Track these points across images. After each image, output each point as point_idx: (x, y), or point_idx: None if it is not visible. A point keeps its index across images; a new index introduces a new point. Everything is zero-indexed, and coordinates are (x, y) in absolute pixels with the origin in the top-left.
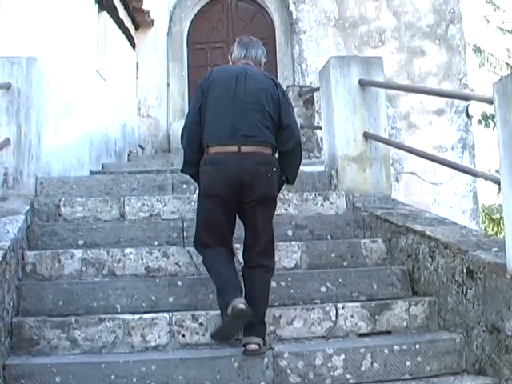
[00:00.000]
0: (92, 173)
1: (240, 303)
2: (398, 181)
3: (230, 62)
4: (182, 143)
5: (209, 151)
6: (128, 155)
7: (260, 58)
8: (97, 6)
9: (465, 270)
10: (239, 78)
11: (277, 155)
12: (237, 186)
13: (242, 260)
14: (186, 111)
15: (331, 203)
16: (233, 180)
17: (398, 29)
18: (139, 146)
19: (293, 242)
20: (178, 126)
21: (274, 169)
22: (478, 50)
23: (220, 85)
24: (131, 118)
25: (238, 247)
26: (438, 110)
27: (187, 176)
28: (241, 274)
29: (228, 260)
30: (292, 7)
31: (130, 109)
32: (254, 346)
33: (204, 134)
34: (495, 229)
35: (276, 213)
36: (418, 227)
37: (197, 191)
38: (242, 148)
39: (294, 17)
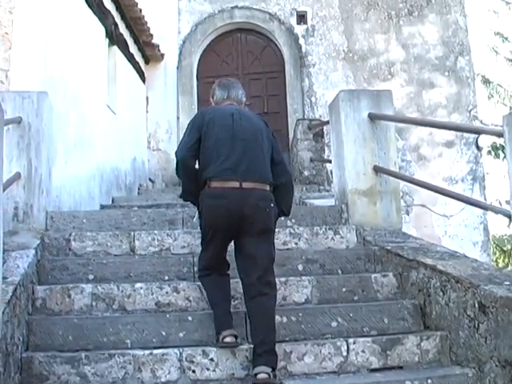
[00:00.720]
0: (102, 206)
1: (228, 336)
2: (408, 213)
3: (212, 103)
4: (177, 174)
5: (210, 185)
6: (138, 188)
7: (241, 98)
8: (107, 40)
9: (477, 305)
10: (235, 118)
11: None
12: (238, 219)
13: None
14: None
15: (342, 237)
16: (235, 214)
17: (407, 61)
18: (149, 179)
19: (303, 277)
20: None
21: (272, 204)
22: (486, 81)
23: (218, 123)
24: (141, 152)
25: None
26: (447, 141)
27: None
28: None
29: (222, 290)
30: (301, 40)
31: (140, 142)
32: (263, 376)
33: (205, 169)
34: (506, 260)
35: (286, 247)
36: (429, 261)
37: (197, 214)
38: (243, 184)
39: (304, 50)
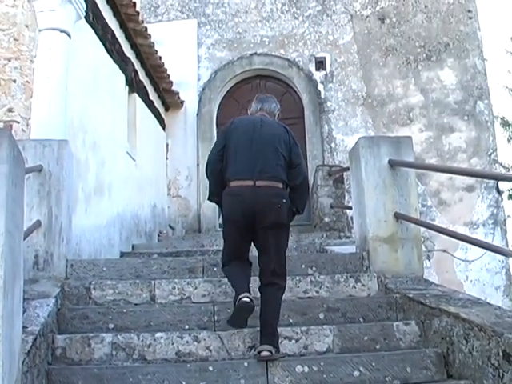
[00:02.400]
0: (122, 254)
1: (244, 297)
2: (429, 258)
3: (249, 114)
4: (207, 177)
5: (230, 184)
6: (158, 235)
7: (273, 110)
8: (127, 87)
9: (501, 353)
10: (256, 125)
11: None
12: (252, 213)
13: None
14: None
15: (363, 285)
16: (248, 209)
17: (426, 106)
18: (169, 226)
19: (325, 326)
20: (208, 206)
21: (284, 200)
22: (505, 124)
23: (240, 131)
24: (161, 198)
25: None
26: (468, 186)
27: (218, 259)
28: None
29: (241, 268)
30: (320, 86)
31: (160, 189)
32: (266, 353)
33: (226, 171)
34: None
35: (307, 295)
36: (452, 309)
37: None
38: (256, 182)
39: (323, 96)
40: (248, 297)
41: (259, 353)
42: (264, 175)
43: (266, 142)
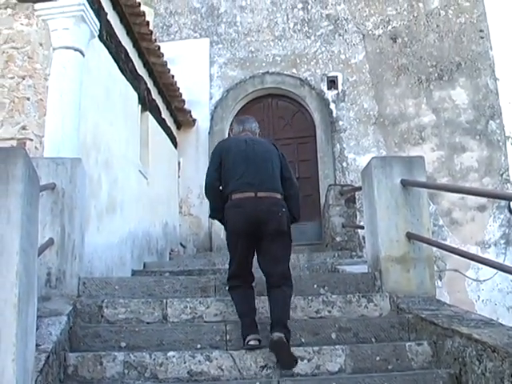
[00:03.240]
0: (134, 272)
1: (251, 340)
2: (440, 278)
3: (231, 136)
4: (206, 195)
5: (232, 197)
6: (170, 254)
7: (255, 130)
8: (140, 106)
9: None
10: (248, 143)
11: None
12: (255, 222)
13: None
14: None
15: (375, 305)
16: (251, 218)
17: (438, 125)
18: (181, 244)
19: (337, 346)
20: (219, 225)
21: (284, 209)
22: None
23: (234, 149)
24: (173, 217)
25: None
26: (479, 205)
27: None
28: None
29: (249, 301)
30: (332, 105)
31: (171, 207)
32: (278, 337)
33: (227, 186)
34: None
35: (319, 315)
36: (465, 330)
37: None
38: (258, 194)
39: (335, 115)
40: (256, 339)
41: (271, 340)
42: (264, 187)
43: (261, 157)
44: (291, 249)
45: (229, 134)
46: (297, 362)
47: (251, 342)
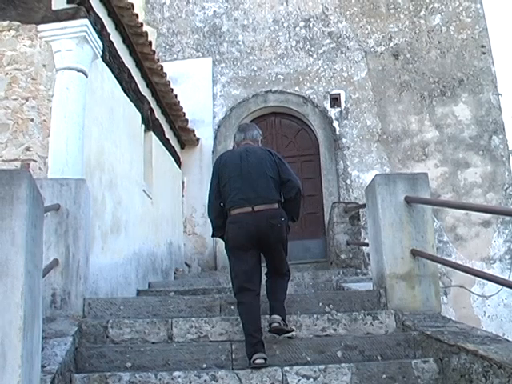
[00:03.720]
0: (139, 291)
1: (257, 358)
2: (446, 294)
3: (235, 145)
4: (208, 215)
5: (231, 214)
6: (174, 273)
7: (256, 137)
8: (143, 126)
9: None
10: (242, 157)
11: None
12: (255, 236)
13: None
14: None
15: (381, 322)
16: (251, 232)
17: (441, 141)
18: (185, 263)
19: (343, 364)
20: (224, 244)
21: (282, 219)
22: None
23: (229, 165)
24: (177, 236)
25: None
26: (484, 221)
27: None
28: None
29: (256, 316)
30: (335, 123)
31: (176, 227)
32: (275, 325)
33: (226, 202)
34: None
35: (325, 333)
36: (470, 346)
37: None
38: (255, 208)
39: (338, 133)
40: (261, 358)
41: (270, 325)
42: (260, 200)
43: (254, 169)
44: (287, 249)
45: (234, 146)
46: (293, 330)
47: (257, 361)
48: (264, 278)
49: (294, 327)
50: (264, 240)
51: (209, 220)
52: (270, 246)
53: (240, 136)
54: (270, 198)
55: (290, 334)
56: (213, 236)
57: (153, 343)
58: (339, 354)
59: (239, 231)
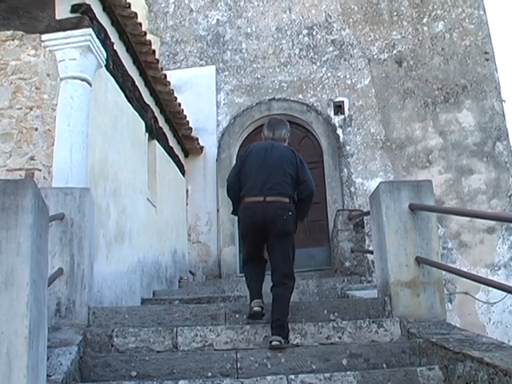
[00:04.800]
0: (143, 300)
1: (255, 306)
2: (451, 301)
3: (263, 139)
4: (228, 196)
5: (244, 200)
6: (179, 281)
7: (284, 136)
8: (147, 134)
9: None
10: (267, 150)
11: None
12: (263, 223)
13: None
14: (236, 236)
15: (386, 330)
16: (260, 219)
17: (445, 148)
18: (190, 271)
19: (348, 372)
20: (228, 252)
21: (290, 213)
22: None
23: (254, 156)
24: (182, 244)
25: None
26: (488, 228)
27: (240, 306)
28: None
29: (256, 271)
30: (339, 131)
31: (180, 235)
32: (276, 343)
33: (242, 189)
34: None
35: (330, 341)
36: (476, 353)
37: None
38: (266, 198)
39: (341, 140)
40: (258, 305)
41: (270, 343)
42: (272, 192)
43: (275, 164)
44: (294, 248)
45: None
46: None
47: (255, 308)
48: (266, 278)
49: (298, 335)
50: (270, 228)
51: (213, 228)
52: (275, 236)
53: (268, 133)
54: (282, 191)
55: (295, 343)
56: (232, 213)
57: (158, 352)
58: (344, 361)
59: (249, 217)
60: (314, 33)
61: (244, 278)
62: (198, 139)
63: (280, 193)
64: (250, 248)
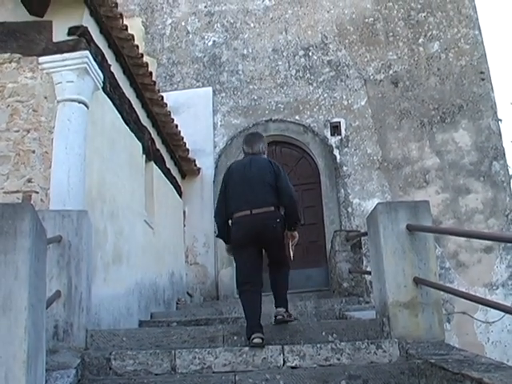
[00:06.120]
0: (141, 322)
1: (255, 338)
2: (449, 321)
3: (244, 154)
4: (215, 220)
5: (233, 216)
6: (177, 303)
7: (262, 149)
8: (144, 156)
9: None
10: (246, 166)
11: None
12: (253, 235)
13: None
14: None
15: (384, 351)
16: (250, 231)
17: (442, 168)
18: (187, 293)
19: None
20: (226, 273)
21: (278, 219)
22: None
23: (235, 174)
24: (179, 266)
25: None
26: (486, 247)
27: (238, 328)
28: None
29: (254, 301)
30: (336, 151)
31: (177, 256)
32: (279, 317)
33: (230, 207)
34: None
35: (328, 363)
36: (475, 374)
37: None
38: (252, 211)
39: (338, 161)
40: (259, 337)
41: (275, 316)
42: (257, 204)
43: (254, 177)
44: (284, 247)
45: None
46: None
47: (255, 340)
48: (265, 278)
49: (297, 357)
50: (262, 238)
51: (211, 249)
52: (268, 243)
53: (248, 149)
54: (266, 202)
55: (293, 365)
56: (217, 236)
57: (156, 375)
58: (343, 383)
59: (239, 231)
60: (311, 54)
61: (241, 303)
62: (195, 160)
63: (264, 203)
64: (246, 263)
